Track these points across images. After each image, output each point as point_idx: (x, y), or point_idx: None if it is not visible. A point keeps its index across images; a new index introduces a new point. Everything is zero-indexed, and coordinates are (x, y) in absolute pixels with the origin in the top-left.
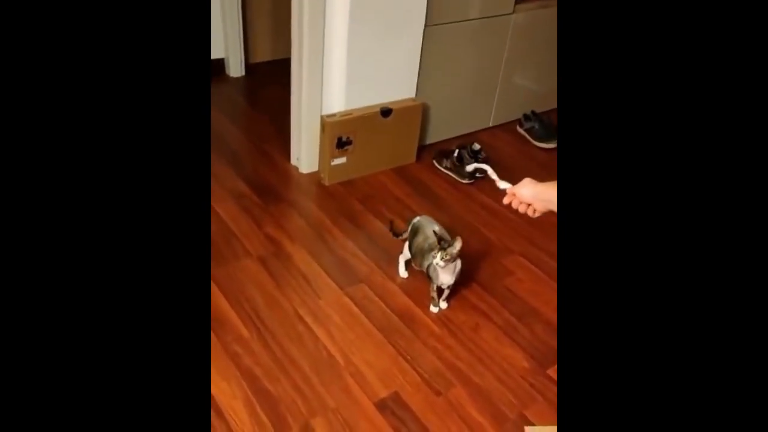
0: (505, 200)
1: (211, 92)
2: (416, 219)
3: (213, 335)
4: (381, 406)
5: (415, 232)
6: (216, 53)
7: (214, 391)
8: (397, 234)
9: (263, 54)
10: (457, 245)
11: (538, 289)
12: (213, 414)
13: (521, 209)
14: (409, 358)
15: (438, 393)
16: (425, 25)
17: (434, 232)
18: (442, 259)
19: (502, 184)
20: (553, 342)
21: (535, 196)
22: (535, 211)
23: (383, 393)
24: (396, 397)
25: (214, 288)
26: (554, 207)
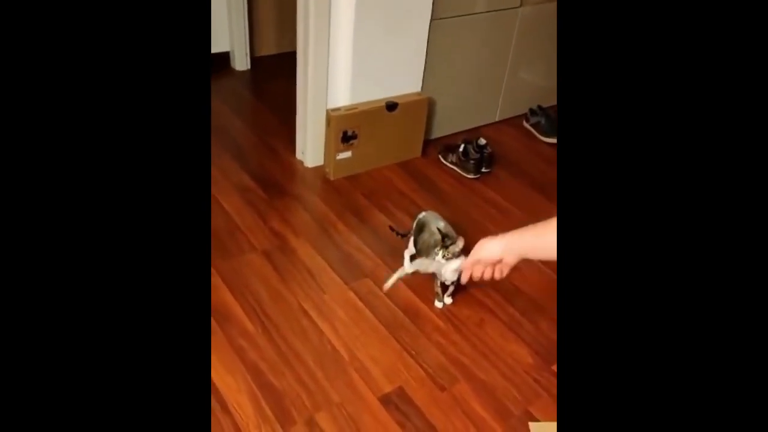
0: (464, 279)
1: (211, 86)
2: (422, 214)
3: (218, 329)
4: (385, 400)
5: (421, 227)
6: (221, 47)
7: (219, 385)
8: (401, 234)
9: (268, 47)
10: (460, 244)
11: (543, 285)
12: (218, 408)
13: (487, 275)
14: (413, 353)
15: (442, 388)
16: (431, 19)
17: (438, 229)
18: (443, 257)
19: (451, 266)
20: None
21: (504, 248)
22: (503, 268)
23: (387, 388)
24: (400, 392)
25: (218, 282)
26: (530, 254)
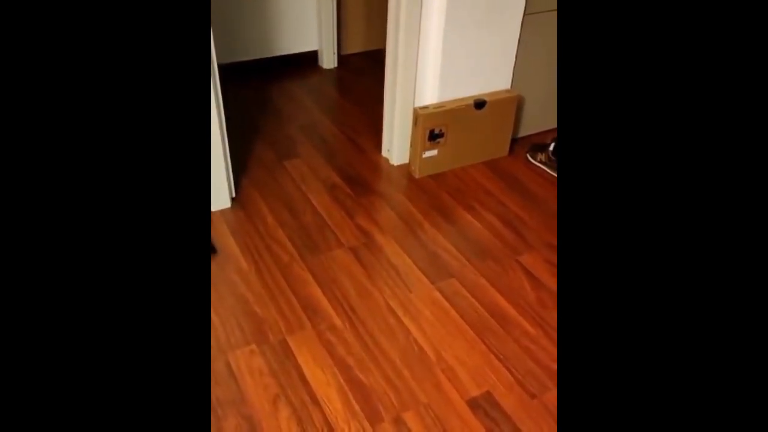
0: None
1: (300, 84)
2: None
3: (307, 323)
4: (473, 404)
5: None
6: (310, 46)
7: (309, 377)
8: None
9: (354, 45)
10: None
11: None
12: (308, 401)
13: None
14: (501, 357)
15: (533, 396)
16: (524, 14)
17: None
18: None
19: None
20: None
21: None
22: None
23: (475, 391)
24: (488, 397)
25: (308, 276)
26: None
